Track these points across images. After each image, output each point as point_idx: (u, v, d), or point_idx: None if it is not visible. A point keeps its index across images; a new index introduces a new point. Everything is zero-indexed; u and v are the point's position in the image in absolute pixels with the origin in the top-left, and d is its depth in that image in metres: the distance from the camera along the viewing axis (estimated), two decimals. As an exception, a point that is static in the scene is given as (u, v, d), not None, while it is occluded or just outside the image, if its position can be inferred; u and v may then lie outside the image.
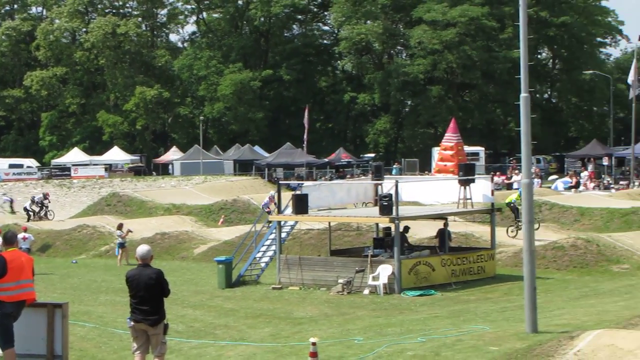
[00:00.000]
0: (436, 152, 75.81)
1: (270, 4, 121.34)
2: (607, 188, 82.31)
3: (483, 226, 50.26)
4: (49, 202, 76.51)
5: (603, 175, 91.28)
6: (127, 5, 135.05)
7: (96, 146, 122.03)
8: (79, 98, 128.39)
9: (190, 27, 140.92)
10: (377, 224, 46.03)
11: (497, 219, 47.17)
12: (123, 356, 24.35)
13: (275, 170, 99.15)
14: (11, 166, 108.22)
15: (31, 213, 74.33)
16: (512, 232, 50.82)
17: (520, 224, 46.92)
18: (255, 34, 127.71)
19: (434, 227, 47.72)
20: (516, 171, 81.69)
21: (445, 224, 45.60)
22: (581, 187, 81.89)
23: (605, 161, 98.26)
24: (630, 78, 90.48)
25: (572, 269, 44.91)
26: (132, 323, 16.57)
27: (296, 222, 47.88)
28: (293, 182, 67.38)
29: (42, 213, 74.91)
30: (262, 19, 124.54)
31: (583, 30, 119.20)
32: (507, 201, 53.52)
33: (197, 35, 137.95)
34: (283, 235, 47.04)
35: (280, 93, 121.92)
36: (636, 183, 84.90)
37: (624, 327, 28.14)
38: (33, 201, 75.38)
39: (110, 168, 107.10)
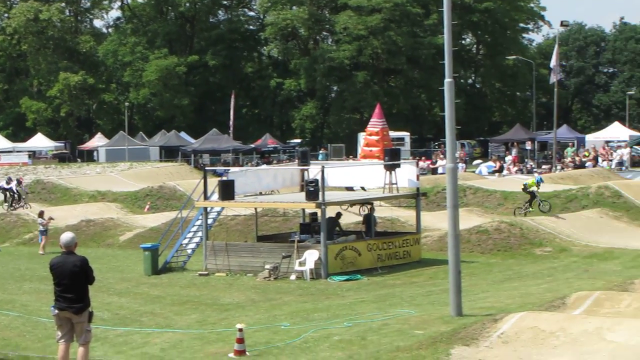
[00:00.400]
0: (362, 137, 76.10)
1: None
2: (530, 172, 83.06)
3: (409, 211, 50.46)
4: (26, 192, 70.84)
5: (526, 160, 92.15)
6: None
7: (20, 133, 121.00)
8: (1, 84, 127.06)
9: (115, 13, 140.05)
10: (303, 210, 46.08)
11: (422, 203, 47.47)
12: (47, 345, 24.11)
13: (202, 157, 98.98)
14: None
15: (9, 193, 68.84)
16: (519, 214, 51.49)
17: (530, 208, 46.74)
18: (180, 19, 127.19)
19: (360, 212, 47.90)
20: (441, 156, 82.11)
21: (371, 209, 45.87)
22: (505, 172, 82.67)
23: (528, 145, 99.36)
24: (552, 63, 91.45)
25: (496, 253, 45.37)
26: (57, 311, 16.45)
27: (222, 208, 47.93)
28: (219, 168, 67.14)
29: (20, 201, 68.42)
30: (188, 4, 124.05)
31: (506, 15, 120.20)
32: (523, 185, 54.52)
33: (122, 20, 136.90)
34: (209, 221, 47.00)
35: (206, 79, 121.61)
36: (558, 167, 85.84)
37: (547, 309, 28.57)
38: (10, 181, 70.40)
39: (34, 155, 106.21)
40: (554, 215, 52.52)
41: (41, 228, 53.65)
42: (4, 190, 69.70)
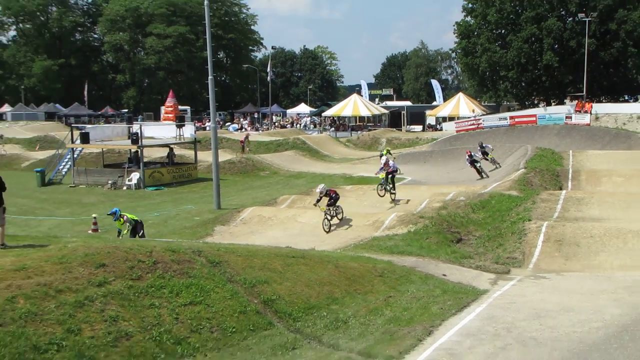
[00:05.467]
0: (163, 109, 74.71)
1: (62, 20, 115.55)
2: (257, 130, 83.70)
3: (190, 151, 50.07)
4: None
5: (256, 123, 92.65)
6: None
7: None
8: None
9: (12, 32, 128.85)
10: (130, 150, 45.14)
11: (197, 147, 47.38)
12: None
13: (69, 118, 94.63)
14: None
15: None
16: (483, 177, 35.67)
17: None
18: (53, 38, 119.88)
19: (165, 151, 47.31)
20: (208, 120, 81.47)
21: (171, 149, 45.78)
22: (243, 130, 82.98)
23: (256, 115, 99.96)
24: (269, 70, 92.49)
25: (239, 174, 45.78)
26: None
27: (82, 148, 46.68)
28: (80, 125, 64.28)
29: None
30: (57, 29, 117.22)
31: (242, 42, 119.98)
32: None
33: (16, 37, 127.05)
34: (75, 155, 45.86)
35: (71, 73, 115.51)
36: (272, 127, 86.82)
37: (266, 205, 29.18)
38: None
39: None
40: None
41: None
42: None
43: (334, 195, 24.49)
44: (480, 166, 35.68)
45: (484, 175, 35.16)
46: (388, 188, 28.26)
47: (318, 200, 24.53)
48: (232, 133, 73.62)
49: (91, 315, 11.54)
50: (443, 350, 11.78)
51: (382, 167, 28.27)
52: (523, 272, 17.94)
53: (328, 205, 24.21)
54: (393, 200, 28.12)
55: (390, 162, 28.81)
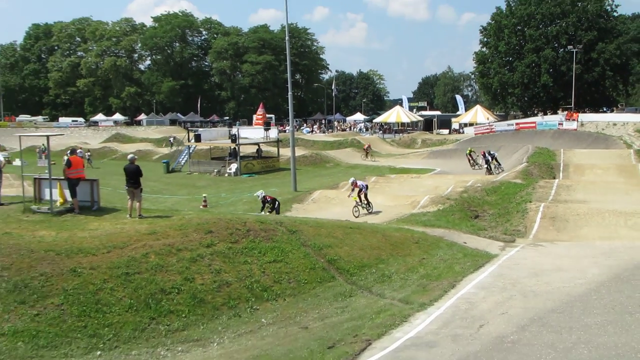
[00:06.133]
0: (255, 116, 75.11)
1: (183, 52, 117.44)
2: (323, 132, 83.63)
3: (274, 148, 50.28)
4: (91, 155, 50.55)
5: (323, 127, 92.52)
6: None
7: (108, 113, 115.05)
8: (101, 91, 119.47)
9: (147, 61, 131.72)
10: (230, 146, 45.68)
11: (280, 145, 47.58)
12: (124, 201, 23.59)
13: (187, 124, 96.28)
14: (73, 121, 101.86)
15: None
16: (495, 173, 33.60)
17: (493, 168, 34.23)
18: (176, 65, 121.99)
19: (255, 148, 47.60)
20: (287, 126, 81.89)
21: (259, 146, 46.02)
22: (313, 132, 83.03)
23: (323, 121, 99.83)
24: (333, 87, 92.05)
25: (310, 165, 45.75)
26: (127, 187, 15.99)
27: (196, 145, 47.35)
28: (195, 129, 65.32)
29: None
30: (178, 59, 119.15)
31: (314, 66, 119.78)
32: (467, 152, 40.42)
33: (151, 65, 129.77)
34: (190, 151, 46.57)
35: (188, 90, 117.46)
36: (335, 131, 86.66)
37: (330, 188, 29.07)
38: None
39: (116, 122, 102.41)
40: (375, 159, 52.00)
41: (87, 155, 46.20)
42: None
43: (270, 200, 20.81)
44: (488, 166, 34.77)
45: (493, 173, 34.08)
46: (364, 205, 22.62)
47: (262, 208, 20.58)
48: (305, 135, 73.70)
49: (201, 268, 11.83)
50: (463, 299, 11.73)
51: (353, 189, 22.94)
52: (525, 241, 17.59)
53: (269, 212, 20.28)
54: (369, 213, 22.45)
55: (359, 182, 23.16)
